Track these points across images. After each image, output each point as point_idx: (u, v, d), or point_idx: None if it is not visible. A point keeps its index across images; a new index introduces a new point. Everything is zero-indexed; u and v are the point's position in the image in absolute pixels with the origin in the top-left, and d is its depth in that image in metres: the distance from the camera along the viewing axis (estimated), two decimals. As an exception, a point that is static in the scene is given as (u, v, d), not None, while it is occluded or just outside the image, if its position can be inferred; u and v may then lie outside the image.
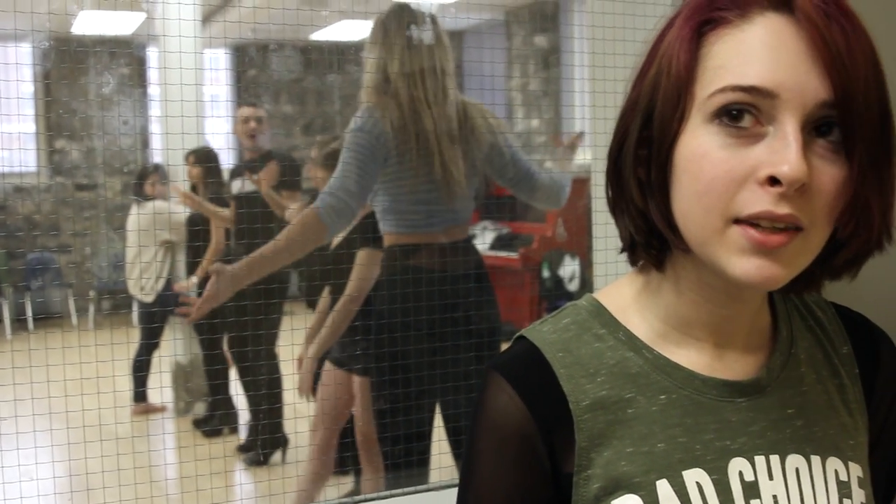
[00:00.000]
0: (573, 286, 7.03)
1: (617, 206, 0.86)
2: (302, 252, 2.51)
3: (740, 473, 0.83)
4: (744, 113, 0.74)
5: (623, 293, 0.90)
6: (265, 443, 4.56)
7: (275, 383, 4.46)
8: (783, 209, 0.72)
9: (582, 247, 7.26)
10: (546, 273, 7.15)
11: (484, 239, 7.81)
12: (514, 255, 7.45)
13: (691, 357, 0.86)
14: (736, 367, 0.87)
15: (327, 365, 3.35)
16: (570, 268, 7.11)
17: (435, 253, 2.57)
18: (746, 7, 0.76)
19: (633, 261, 0.89)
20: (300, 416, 3.93)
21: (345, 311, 3.03)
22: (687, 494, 0.81)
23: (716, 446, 0.83)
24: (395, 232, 2.61)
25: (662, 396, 0.84)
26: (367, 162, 2.45)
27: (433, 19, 2.57)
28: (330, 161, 3.07)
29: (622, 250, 0.89)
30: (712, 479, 0.82)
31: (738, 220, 0.74)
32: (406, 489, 1.90)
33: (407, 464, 2.61)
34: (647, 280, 0.89)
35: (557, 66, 8.31)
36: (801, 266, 0.77)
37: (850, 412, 0.90)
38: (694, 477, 0.82)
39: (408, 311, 2.53)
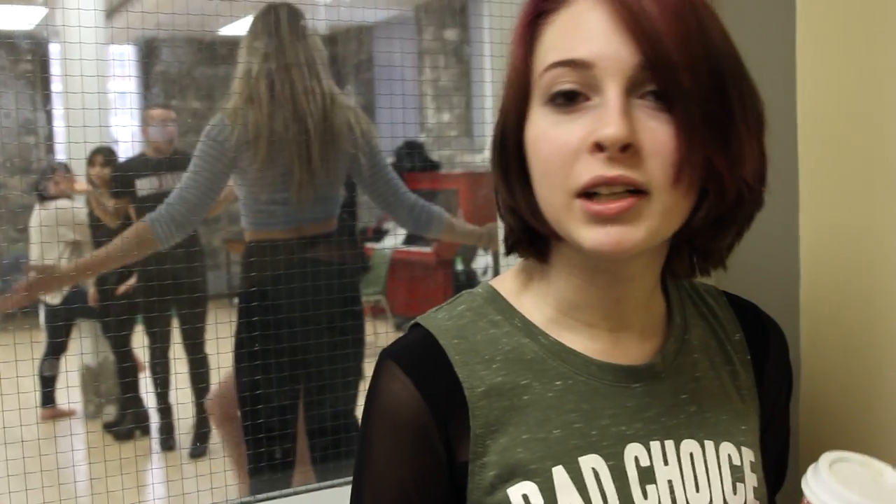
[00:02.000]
0: (487, 278, 7.07)
1: (499, 206, 0.88)
2: (132, 259, 2.58)
3: (636, 459, 0.84)
4: (573, 93, 0.76)
5: (518, 280, 0.91)
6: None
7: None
8: (613, 171, 0.74)
9: (494, 240, 7.29)
10: (459, 266, 7.17)
11: (396, 234, 7.81)
12: (427, 249, 7.45)
13: (586, 343, 0.86)
14: (631, 352, 0.87)
15: None
16: (482, 260, 7.14)
17: (293, 246, 2.57)
18: None
19: (520, 256, 0.90)
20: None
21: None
22: (583, 480, 0.81)
23: (612, 432, 0.84)
24: (250, 229, 2.62)
25: (558, 382, 0.85)
26: (211, 171, 2.48)
27: (296, 12, 2.56)
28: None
29: (506, 251, 0.91)
30: (608, 465, 0.83)
31: (579, 195, 0.76)
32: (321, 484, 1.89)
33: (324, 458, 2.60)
34: (537, 268, 0.89)
35: (467, 61, 8.33)
36: (655, 230, 0.76)
37: (742, 398, 0.92)
38: (590, 463, 0.82)
39: (267, 309, 2.54)
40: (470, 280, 7.10)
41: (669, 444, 0.85)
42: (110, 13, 6.43)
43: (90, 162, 4.91)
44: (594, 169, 0.74)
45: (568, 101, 0.77)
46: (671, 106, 0.74)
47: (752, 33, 1.16)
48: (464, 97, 8.39)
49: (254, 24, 2.58)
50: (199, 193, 2.49)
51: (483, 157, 8.07)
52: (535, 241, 0.87)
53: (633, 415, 0.85)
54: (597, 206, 0.75)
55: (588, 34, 0.76)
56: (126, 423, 4.91)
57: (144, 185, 4.46)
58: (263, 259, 2.56)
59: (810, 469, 0.80)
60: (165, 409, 4.69)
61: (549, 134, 0.78)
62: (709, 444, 0.87)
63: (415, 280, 7.56)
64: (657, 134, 0.74)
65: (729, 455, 0.88)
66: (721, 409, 0.90)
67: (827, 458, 0.81)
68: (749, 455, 0.89)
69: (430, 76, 8.63)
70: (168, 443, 4.57)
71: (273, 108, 2.48)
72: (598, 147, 0.74)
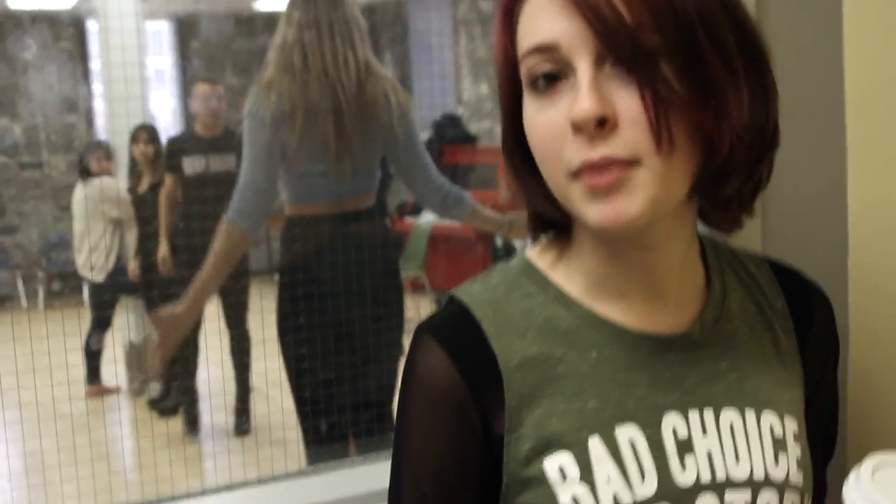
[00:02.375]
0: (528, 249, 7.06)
1: (518, 195, 0.88)
2: (233, 264, 2.60)
3: (674, 429, 0.82)
4: (551, 76, 0.76)
5: (551, 252, 0.90)
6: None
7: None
8: (597, 153, 0.74)
9: (517, 229, 7.26)
10: (499, 241, 7.16)
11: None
12: (449, 220, 7.43)
13: (621, 312, 0.85)
14: (668, 321, 0.86)
15: None
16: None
17: (335, 221, 2.57)
18: None
19: (546, 238, 0.91)
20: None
21: None
22: (619, 451, 0.81)
23: (648, 402, 0.83)
24: (290, 202, 2.62)
25: (593, 352, 0.84)
26: (265, 147, 2.48)
27: None
28: None
29: (532, 237, 0.91)
30: (645, 435, 0.82)
31: (575, 175, 0.76)
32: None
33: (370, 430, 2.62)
34: (566, 243, 0.89)
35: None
36: (654, 197, 0.75)
37: (784, 365, 0.90)
38: (627, 433, 0.81)
39: (311, 282, 2.56)
40: (510, 254, 7.10)
41: (708, 413, 0.84)
42: (147, -9, 6.46)
43: (134, 139, 4.94)
44: (580, 153, 0.74)
45: (548, 84, 0.77)
46: (633, 71, 0.73)
47: (795, 10, 1.14)
48: (501, 69, 8.36)
49: None
50: (263, 174, 2.49)
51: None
52: (554, 223, 0.88)
53: (671, 384, 0.84)
54: (590, 181, 0.74)
55: (549, 16, 0.76)
56: (171, 400, 4.97)
57: (191, 165, 4.46)
58: (304, 233, 2.57)
59: (852, 474, 0.77)
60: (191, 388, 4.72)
61: (536, 120, 0.78)
62: (749, 413, 0.85)
63: (454, 255, 7.56)
64: (631, 101, 0.73)
65: (771, 424, 0.86)
66: (762, 376, 0.88)
67: (871, 463, 0.77)
68: (792, 424, 0.87)
69: (467, 48, 8.59)
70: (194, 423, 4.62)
71: (307, 78, 2.46)
72: (578, 127, 0.74)
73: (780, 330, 0.91)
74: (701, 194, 0.82)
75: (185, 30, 9.54)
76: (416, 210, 7.78)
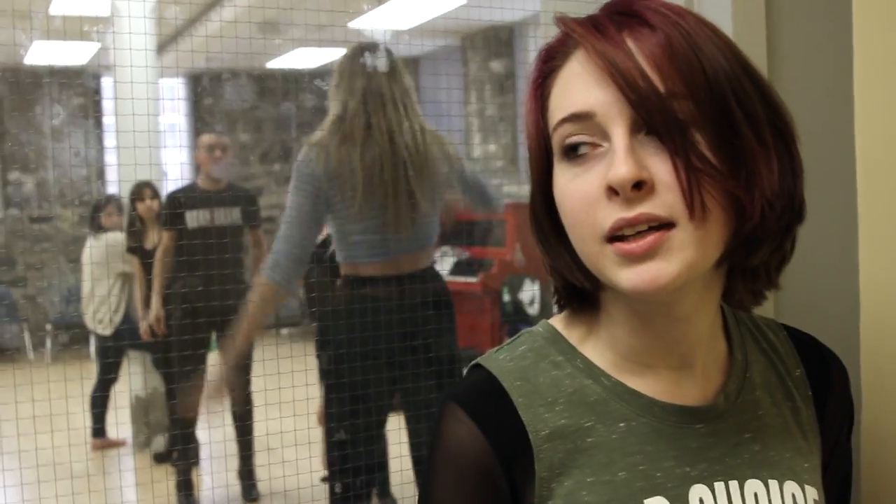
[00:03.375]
0: (533, 310, 7.04)
1: (544, 265, 0.89)
2: (268, 317, 2.70)
3: (700, 500, 0.83)
4: (580, 144, 0.78)
5: (576, 321, 0.90)
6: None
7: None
8: (633, 212, 0.74)
9: (542, 271, 7.26)
10: (506, 297, 7.16)
11: (444, 264, 7.81)
12: (473, 279, 7.44)
13: (649, 384, 0.86)
14: (693, 393, 0.86)
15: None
16: (529, 292, 7.13)
17: (391, 283, 2.60)
18: (564, 53, 0.81)
19: (572, 311, 0.91)
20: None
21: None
22: None
23: (676, 473, 0.83)
24: (345, 262, 2.66)
25: (622, 424, 0.84)
26: (309, 205, 2.55)
27: (388, 52, 2.63)
28: None
29: (558, 308, 0.91)
30: None
31: (608, 240, 0.76)
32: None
33: (358, 497, 2.61)
34: (591, 314, 0.89)
35: (513, 91, 8.37)
36: (690, 261, 0.75)
37: (804, 435, 0.91)
38: None
39: (365, 341, 2.58)
40: (517, 310, 7.08)
41: (734, 484, 0.84)
42: (161, 48, 6.54)
43: (138, 196, 4.96)
44: (615, 213, 0.75)
45: (579, 153, 0.78)
46: (666, 139, 0.74)
47: (807, 59, 1.15)
48: (510, 128, 8.42)
49: (344, 62, 2.65)
50: (303, 229, 2.56)
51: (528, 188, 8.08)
52: (582, 294, 0.88)
53: (697, 455, 0.84)
54: (626, 246, 0.75)
55: (583, 87, 0.78)
56: (178, 456, 4.93)
57: (195, 219, 4.43)
58: (360, 294, 2.62)
59: None
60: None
61: (569, 187, 0.79)
62: (773, 484, 0.86)
63: (461, 310, 7.55)
64: (665, 167, 0.74)
65: (793, 494, 0.86)
66: (784, 447, 0.88)
67: None
68: (813, 493, 0.88)
69: (477, 107, 8.67)
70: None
71: (369, 143, 2.55)
72: (613, 191, 0.75)
73: (799, 399, 0.92)
74: (730, 264, 0.83)
75: (199, 87, 9.66)
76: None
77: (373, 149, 2.54)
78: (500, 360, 0.88)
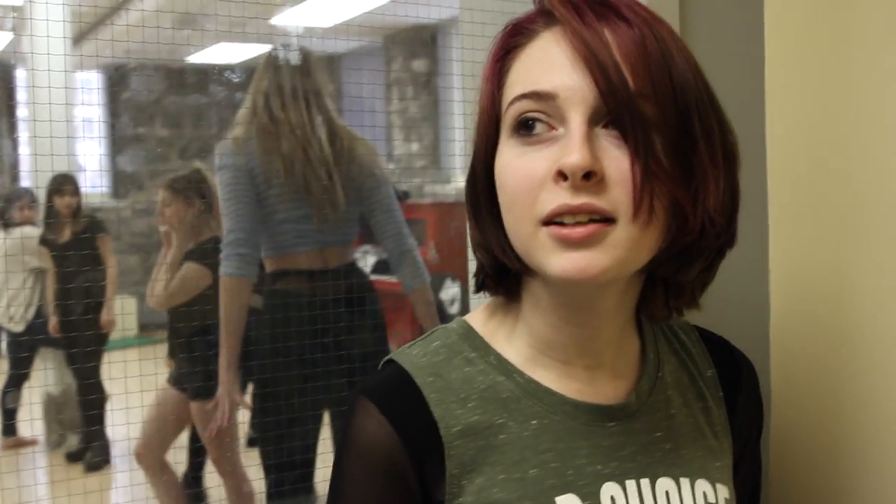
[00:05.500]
0: (454, 309, 7.06)
1: (472, 242, 0.88)
2: (244, 309, 2.63)
3: (612, 498, 0.83)
4: (535, 122, 0.77)
5: (491, 317, 0.91)
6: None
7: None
8: (578, 200, 0.74)
9: (462, 270, 7.30)
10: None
11: (365, 262, 7.77)
12: (395, 279, 7.42)
13: (561, 381, 0.86)
14: (606, 391, 0.87)
15: (164, 385, 3.34)
16: (451, 291, 7.14)
17: (309, 278, 2.61)
18: (531, 31, 0.81)
19: (491, 293, 0.90)
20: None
21: None
22: None
23: (587, 471, 0.84)
24: (269, 255, 2.66)
25: (534, 421, 0.84)
26: (244, 196, 2.55)
27: (302, 48, 2.69)
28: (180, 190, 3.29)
29: (476, 288, 0.91)
30: None
31: (545, 223, 0.76)
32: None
33: (290, 492, 2.60)
34: (509, 305, 0.89)
35: (435, 91, 8.37)
36: (621, 258, 0.76)
37: (715, 435, 0.92)
38: (567, 502, 0.82)
39: (278, 337, 2.59)
40: (438, 310, 7.09)
41: (645, 482, 0.85)
42: (78, 39, 6.39)
43: (57, 191, 4.84)
44: (559, 197, 0.75)
45: (533, 131, 0.77)
46: (627, 135, 0.75)
47: (720, 69, 1.18)
48: (432, 127, 8.43)
49: (261, 58, 2.68)
50: (243, 218, 2.56)
51: (450, 188, 8.09)
52: (504, 278, 0.87)
53: (609, 454, 0.85)
54: (564, 231, 0.75)
55: (551, 67, 0.77)
56: (91, 455, 4.84)
57: None
58: (280, 288, 2.62)
59: None
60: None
61: (514, 164, 0.78)
62: (684, 482, 0.87)
63: (384, 310, 7.53)
64: (619, 163, 0.75)
65: (704, 492, 0.88)
66: (695, 446, 0.90)
67: None
68: (724, 492, 0.90)
69: (399, 106, 8.66)
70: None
71: (278, 136, 2.56)
72: (562, 175, 0.74)
73: (710, 399, 0.93)
74: (656, 276, 0.84)
75: (116, 81, 9.45)
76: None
77: (281, 142, 2.56)
78: (413, 356, 0.87)
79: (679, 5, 1.20)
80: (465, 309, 7.04)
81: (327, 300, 2.60)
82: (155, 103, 9.42)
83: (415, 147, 8.53)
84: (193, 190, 3.40)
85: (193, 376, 3.24)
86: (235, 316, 2.59)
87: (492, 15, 1.42)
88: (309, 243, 2.61)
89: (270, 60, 2.64)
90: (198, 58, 8.67)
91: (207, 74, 9.14)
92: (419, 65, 8.48)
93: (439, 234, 7.55)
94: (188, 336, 3.36)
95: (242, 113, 2.65)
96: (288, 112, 2.57)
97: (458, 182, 8.24)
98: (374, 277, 7.45)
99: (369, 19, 7.01)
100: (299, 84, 2.60)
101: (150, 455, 3.31)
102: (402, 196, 8.43)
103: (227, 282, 2.57)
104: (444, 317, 7.06)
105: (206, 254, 3.23)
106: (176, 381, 3.35)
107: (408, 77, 8.55)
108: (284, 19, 6.27)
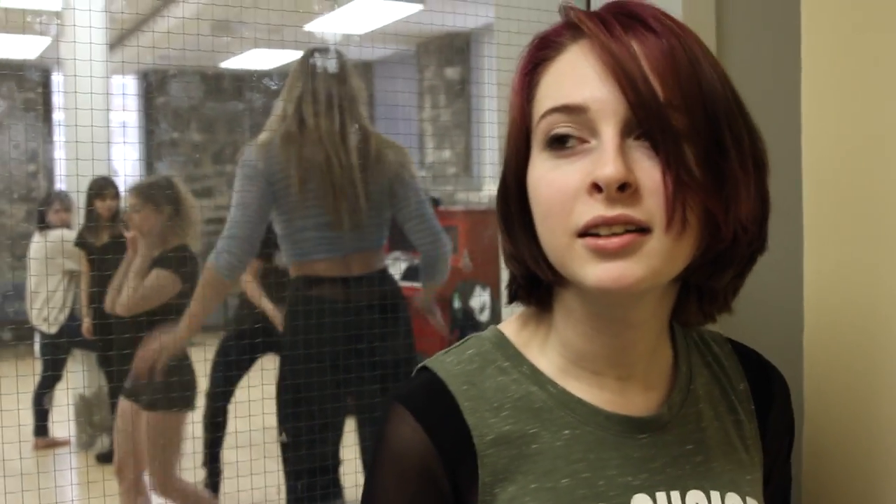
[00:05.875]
0: (483, 317, 7.05)
1: (503, 254, 0.89)
2: (214, 305, 2.72)
3: None
4: (568, 137, 0.78)
5: (525, 326, 0.91)
6: None
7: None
8: (613, 211, 0.75)
9: (492, 278, 7.29)
10: (457, 304, 7.15)
11: (396, 269, 7.78)
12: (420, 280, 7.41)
13: (593, 392, 0.86)
14: (637, 402, 0.87)
15: (123, 401, 3.31)
16: (480, 299, 7.13)
17: (334, 284, 2.61)
18: (559, 44, 0.81)
19: (523, 304, 0.91)
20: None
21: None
22: None
23: (618, 482, 0.84)
24: (294, 261, 2.68)
25: (566, 432, 0.85)
26: (254, 202, 2.60)
27: (339, 54, 2.65)
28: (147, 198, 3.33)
29: (508, 299, 0.91)
30: None
31: (580, 234, 0.76)
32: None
33: (321, 497, 2.60)
34: (542, 315, 0.90)
35: (468, 98, 8.38)
36: (656, 268, 0.76)
37: (746, 448, 0.92)
38: None
39: (310, 343, 2.59)
40: (467, 318, 7.08)
41: (675, 494, 0.85)
42: (114, 45, 6.46)
43: (99, 195, 4.89)
44: (594, 209, 0.75)
45: (565, 145, 0.78)
46: (658, 146, 0.75)
47: (756, 77, 1.18)
48: (464, 135, 8.43)
49: (295, 64, 2.69)
50: (249, 222, 2.59)
51: (482, 195, 8.09)
52: (536, 288, 0.88)
53: (640, 465, 0.85)
54: (600, 241, 0.75)
55: (580, 80, 0.78)
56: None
57: None
58: (309, 294, 2.65)
59: None
60: None
61: (548, 177, 0.79)
62: (715, 495, 0.87)
63: (413, 316, 7.52)
64: (652, 174, 0.75)
65: None
66: (726, 459, 0.90)
67: None
68: None
69: (431, 113, 8.67)
70: None
71: (304, 144, 2.59)
72: (597, 188, 0.75)
73: (742, 412, 0.93)
74: (689, 283, 0.84)
75: (152, 85, 9.53)
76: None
77: (309, 148, 2.58)
78: (447, 364, 0.88)
79: (715, 11, 1.19)
80: (494, 316, 7.03)
81: (356, 306, 2.61)
82: (190, 108, 9.50)
83: (447, 154, 8.53)
84: (163, 197, 3.39)
85: (145, 387, 3.23)
86: (204, 303, 2.64)
87: (527, 24, 1.42)
88: (330, 250, 2.61)
89: (304, 66, 2.65)
90: (233, 63, 8.74)
91: (243, 80, 9.21)
92: (452, 72, 8.49)
93: (471, 241, 7.54)
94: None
95: (272, 119, 2.67)
96: (320, 119, 2.59)
97: (490, 190, 8.24)
98: (404, 284, 7.50)
99: (403, 27, 7.03)
100: (335, 91, 2.61)
101: (126, 470, 3.28)
102: (434, 203, 8.44)
103: (209, 271, 2.61)
104: (474, 324, 7.05)
105: (172, 262, 3.25)
106: (129, 392, 3.33)
107: (440, 84, 8.57)
108: (319, 26, 6.30)
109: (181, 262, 3.10)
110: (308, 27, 5.64)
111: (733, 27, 1.21)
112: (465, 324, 7.04)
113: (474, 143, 8.27)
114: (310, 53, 2.69)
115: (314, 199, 2.58)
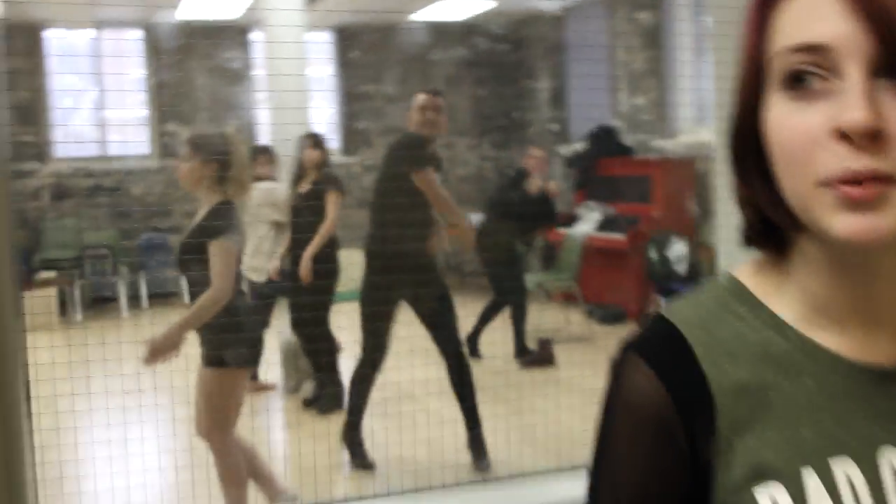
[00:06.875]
0: (681, 268, 6.91)
1: (736, 198, 0.84)
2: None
3: (892, 465, 0.79)
4: (808, 74, 0.72)
5: (761, 273, 0.86)
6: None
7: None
8: (861, 163, 0.69)
9: (688, 228, 7.14)
10: (653, 255, 7.05)
11: (590, 219, 7.73)
12: (620, 236, 7.34)
13: (837, 340, 0.82)
14: (884, 351, 0.82)
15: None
16: (677, 248, 6.99)
17: None
18: None
19: (759, 250, 0.86)
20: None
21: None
22: (836, 489, 0.77)
23: (864, 434, 0.79)
24: None
25: (808, 381, 0.80)
26: None
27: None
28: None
29: (744, 244, 0.86)
30: (861, 470, 0.78)
31: (825, 183, 0.71)
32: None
33: None
34: (779, 262, 0.85)
35: (662, 43, 8.17)
36: None
37: None
38: (842, 467, 0.78)
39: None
40: (664, 268, 6.96)
41: None
42: (310, 1, 6.63)
43: (310, 146, 5.05)
44: (840, 160, 0.70)
45: (806, 85, 0.73)
46: None
47: None
48: (658, 81, 8.23)
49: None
50: None
51: (678, 143, 7.89)
52: (772, 234, 0.83)
53: (888, 417, 0.80)
54: (849, 189, 0.70)
55: (823, 17, 0.72)
56: (326, 400, 5.07)
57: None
58: None
59: None
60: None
61: (788, 121, 0.74)
62: None
63: (607, 267, 7.48)
64: None
65: None
66: None
67: None
68: None
69: (624, 59, 8.51)
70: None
71: None
72: (842, 135, 0.69)
73: None
74: None
75: (345, 40, 9.78)
76: (569, 221, 7.73)
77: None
78: (682, 311, 0.85)
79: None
80: (692, 267, 6.89)
81: None
82: (381, 61, 9.70)
83: (640, 101, 8.37)
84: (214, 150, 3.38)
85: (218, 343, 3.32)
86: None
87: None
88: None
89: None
90: (420, 15, 8.85)
91: (435, 32, 9.32)
92: (644, 17, 8.29)
93: (665, 191, 7.40)
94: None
95: None
96: None
97: (686, 138, 8.03)
98: (598, 235, 7.45)
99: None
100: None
101: (215, 433, 3.33)
102: (627, 151, 8.30)
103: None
104: (670, 273, 6.93)
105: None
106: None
107: (633, 29, 8.39)
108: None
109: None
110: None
111: None
112: (663, 274, 6.94)
113: (669, 89, 8.07)
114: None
115: None
